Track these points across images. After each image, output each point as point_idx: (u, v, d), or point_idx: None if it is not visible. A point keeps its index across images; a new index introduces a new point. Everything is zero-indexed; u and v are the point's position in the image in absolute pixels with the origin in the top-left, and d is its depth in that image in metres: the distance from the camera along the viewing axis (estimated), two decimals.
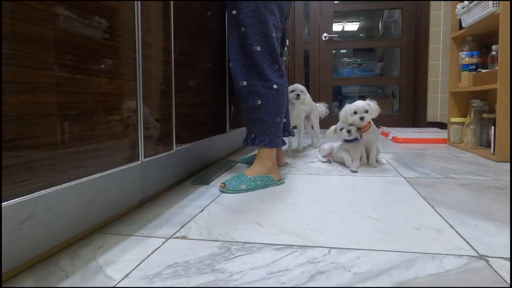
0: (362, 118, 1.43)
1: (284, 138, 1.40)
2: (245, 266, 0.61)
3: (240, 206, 0.96)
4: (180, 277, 0.57)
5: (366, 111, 1.43)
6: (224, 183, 1.12)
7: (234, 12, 1.22)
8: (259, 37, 1.20)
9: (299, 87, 1.79)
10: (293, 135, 1.63)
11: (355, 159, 1.47)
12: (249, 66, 1.22)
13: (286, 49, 2.99)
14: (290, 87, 1.78)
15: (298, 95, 1.76)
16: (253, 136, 1.26)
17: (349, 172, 1.39)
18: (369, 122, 1.47)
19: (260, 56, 1.20)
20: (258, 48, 1.20)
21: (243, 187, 1.11)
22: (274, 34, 1.22)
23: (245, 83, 1.23)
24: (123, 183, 0.90)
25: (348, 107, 1.48)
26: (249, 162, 1.54)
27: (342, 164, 1.52)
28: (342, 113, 1.50)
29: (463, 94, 2.16)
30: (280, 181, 1.21)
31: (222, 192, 1.10)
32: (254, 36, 1.19)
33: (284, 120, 1.48)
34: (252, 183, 1.13)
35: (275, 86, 1.21)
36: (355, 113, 1.44)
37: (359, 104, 1.44)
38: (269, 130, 1.21)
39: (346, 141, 1.50)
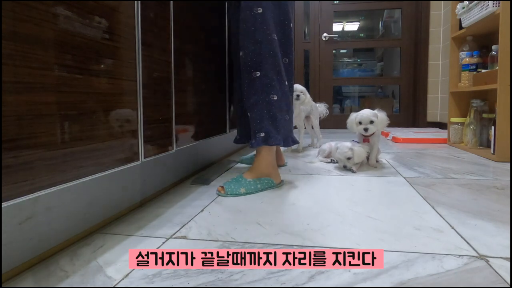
0: (366, 129, 1.43)
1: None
2: (245, 266, 0.61)
3: (240, 206, 0.96)
4: (180, 277, 0.57)
5: (372, 122, 1.43)
6: (222, 186, 1.08)
7: None
8: (277, 24, 1.12)
9: (299, 87, 1.79)
10: (297, 142, 1.36)
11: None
12: (264, 54, 1.10)
13: None
14: None
15: (298, 95, 1.76)
16: (262, 135, 1.13)
17: (349, 172, 1.39)
18: None
19: (278, 46, 1.12)
20: (275, 37, 1.11)
21: (243, 190, 1.07)
22: (292, 25, 1.15)
23: (258, 74, 1.12)
24: (123, 183, 0.90)
25: (354, 116, 1.47)
26: (250, 162, 1.54)
27: None
28: (349, 122, 1.50)
29: (463, 94, 2.16)
30: (279, 184, 1.17)
31: (220, 195, 1.06)
32: (273, 22, 1.10)
33: None
34: (252, 187, 1.09)
35: (286, 83, 1.16)
36: (360, 123, 1.44)
37: (365, 114, 1.43)
38: (281, 129, 1.15)
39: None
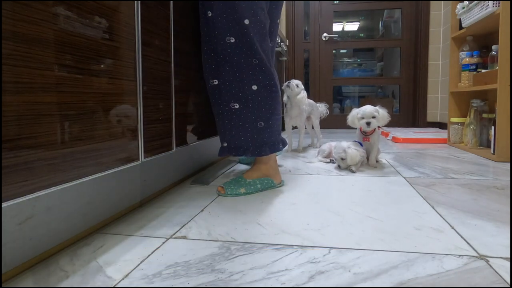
0: (368, 124, 1.44)
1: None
2: (245, 266, 0.61)
3: (240, 206, 0.96)
4: (180, 277, 0.57)
5: (374, 117, 1.44)
6: (222, 187, 1.08)
7: None
8: (231, 25, 1.00)
9: (295, 80, 1.79)
10: (285, 145, 1.24)
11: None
12: (220, 61, 1.03)
13: (286, 49, 2.99)
14: None
15: (288, 82, 1.77)
16: (225, 144, 1.10)
17: (348, 172, 1.39)
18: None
19: (235, 50, 1.02)
20: (232, 40, 1.01)
21: (242, 190, 1.07)
22: (247, 21, 1.01)
23: (216, 82, 1.05)
24: (123, 183, 0.90)
25: (356, 112, 1.48)
26: (249, 162, 1.54)
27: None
28: (350, 117, 1.51)
29: (463, 94, 2.16)
30: (279, 184, 1.17)
31: (220, 195, 1.07)
32: (225, 24, 1.00)
33: None
34: (252, 187, 1.09)
35: (254, 87, 1.05)
36: (362, 118, 1.45)
37: (367, 109, 1.45)
38: (251, 138, 1.07)
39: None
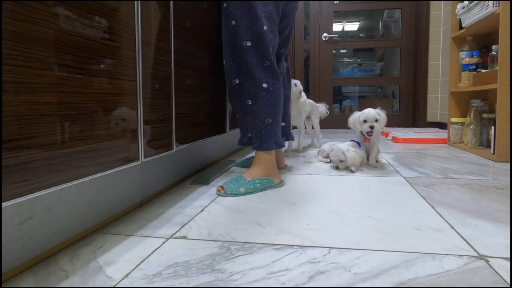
0: (372, 127, 1.42)
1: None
2: (245, 266, 0.61)
3: (240, 206, 0.96)
4: (180, 277, 0.57)
5: (377, 120, 1.43)
6: (222, 186, 1.08)
7: (225, 4, 1.17)
8: (250, 31, 1.13)
9: (293, 80, 1.79)
10: (292, 139, 1.56)
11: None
12: (240, 62, 1.16)
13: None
14: None
15: None
16: (249, 135, 1.25)
17: (348, 172, 1.39)
18: None
19: (250, 52, 1.14)
20: (249, 43, 1.13)
21: (242, 190, 1.07)
22: (266, 27, 1.14)
23: (237, 81, 1.18)
24: (123, 183, 0.90)
25: (358, 115, 1.46)
26: (245, 165, 1.53)
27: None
28: (351, 120, 1.49)
29: (463, 94, 2.16)
30: (279, 184, 1.17)
31: (220, 195, 1.07)
32: (244, 31, 1.13)
33: (283, 124, 1.43)
34: (252, 186, 1.09)
35: (264, 85, 1.15)
36: (365, 121, 1.43)
37: (371, 113, 1.43)
38: (260, 133, 1.17)
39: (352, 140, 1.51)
